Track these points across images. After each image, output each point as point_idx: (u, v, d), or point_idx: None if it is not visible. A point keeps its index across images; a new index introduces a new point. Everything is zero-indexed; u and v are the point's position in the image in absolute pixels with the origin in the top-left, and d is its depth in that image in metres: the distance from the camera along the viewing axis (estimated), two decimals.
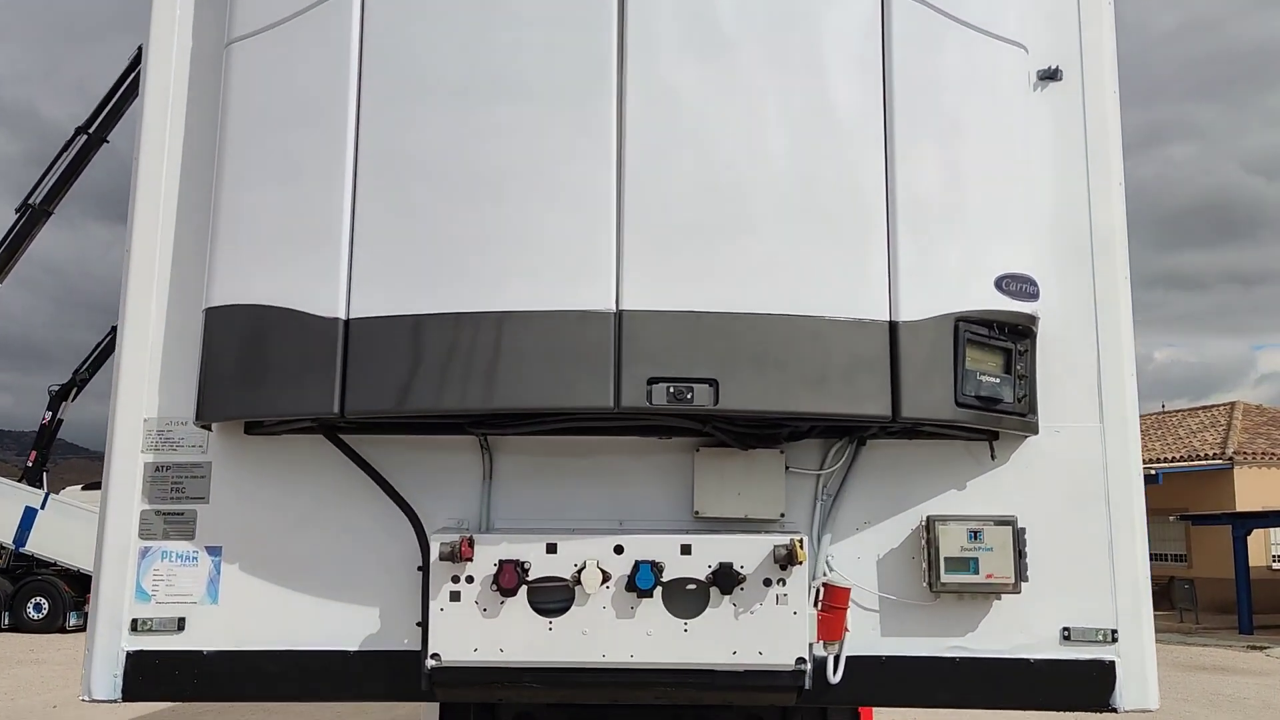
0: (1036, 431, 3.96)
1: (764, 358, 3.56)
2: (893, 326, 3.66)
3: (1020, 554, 3.84)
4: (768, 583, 3.75)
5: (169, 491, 4.03)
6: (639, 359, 3.53)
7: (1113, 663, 3.89)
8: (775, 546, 3.70)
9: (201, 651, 3.93)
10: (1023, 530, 3.88)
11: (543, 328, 3.57)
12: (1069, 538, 3.96)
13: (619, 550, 3.77)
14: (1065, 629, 3.92)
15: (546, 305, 3.58)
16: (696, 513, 3.93)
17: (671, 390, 3.51)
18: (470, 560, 3.76)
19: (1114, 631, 3.90)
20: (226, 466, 4.05)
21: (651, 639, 3.74)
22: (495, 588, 3.73)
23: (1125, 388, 4.05)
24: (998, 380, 3.81)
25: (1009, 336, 3.87)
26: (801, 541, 3.72)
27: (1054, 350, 4.05)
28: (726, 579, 3.72)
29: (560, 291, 3.59)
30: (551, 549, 3.79)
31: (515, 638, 3.74)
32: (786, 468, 3.99)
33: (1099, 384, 4.05)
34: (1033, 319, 3.89)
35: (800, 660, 3.72)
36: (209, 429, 4.03)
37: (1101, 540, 3.95)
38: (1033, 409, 3.94)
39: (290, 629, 3.94)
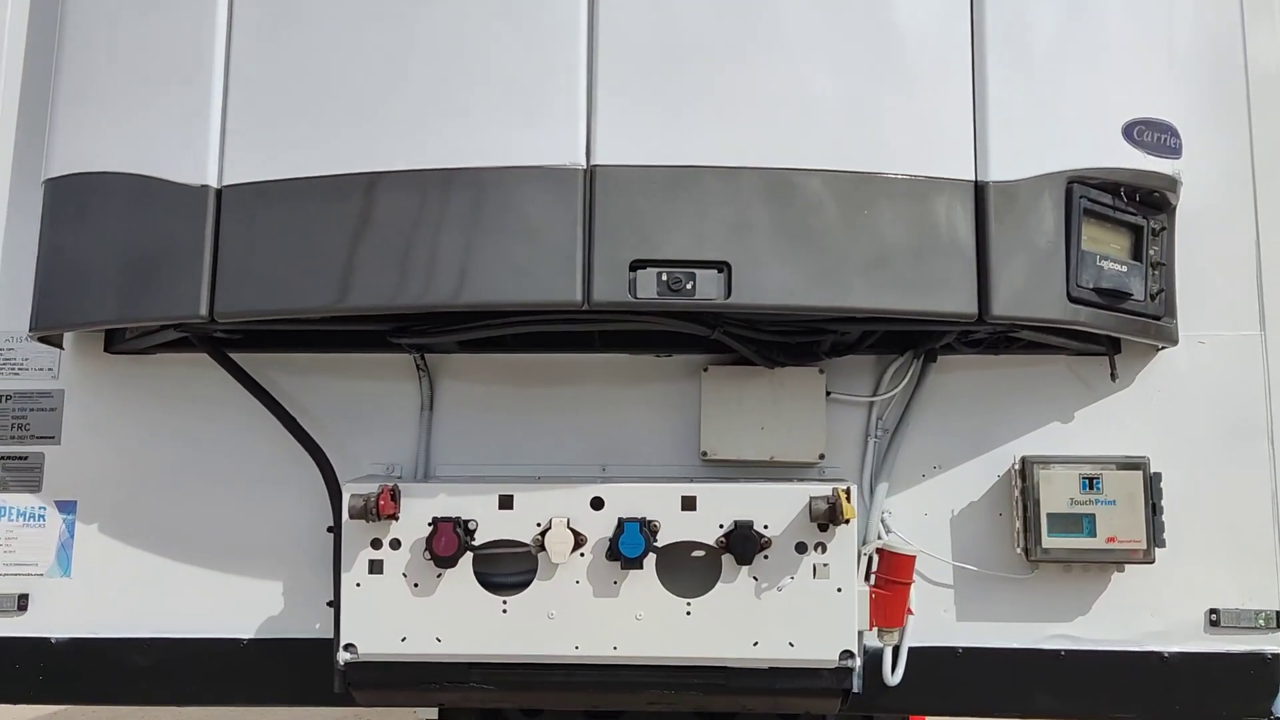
0: (1175, 341, 2.87)
1: (795, 231, 2.49)
2: (980, 189, 2.58)
3: (1154, 509, 2.78)
4: (801, 548, 2.71)
5: (8, 429, 3.05)
6: (617, 235, 2.48)
7: (1277, 657, 2.83)
8: (812, 499, 2.65)
9: (49, 639, 2.96)
10: (1157, 477, 2.81)
11: (481, 192, 2.52)
12: (1218, 488, 2.89)
13: (597, 504, 2.74)
14: (1213, 612, 2.86)
15: (487, 160, 2.53)
16: (704, 454, 2.89)
17: (664, 278, 2.46)
18: (395, 519, 2.75)
19: (1279, 615, 2.85)
20: (82, 396, 3.06)
21: (642, 625, 2.72)
22: (429, 555, 2.72)
23: None
24: (1124, 268, 2.73)
25: (1141, 207, 2.78)
26: (849, 492, 2.68)
27: (1198, 231, 2.96)
28: (744, 544, 2.68)
29: (506, 140, 2.53)
30: (506, 503, 2.76)
31: (457, 623, 2.74)
32: (828, 393, 2.95)
33: (1259, 276, 2.96)
34: (1174, 183, 2.80)
35: (847, 654, 2.69)
36: (59, 346, 3.04)
37: (1262, 491, 2.88)
38: (1170, 311, 2.85)
39: (164, 611, 2.96)
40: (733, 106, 2.53)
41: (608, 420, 3.01)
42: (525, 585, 2.74)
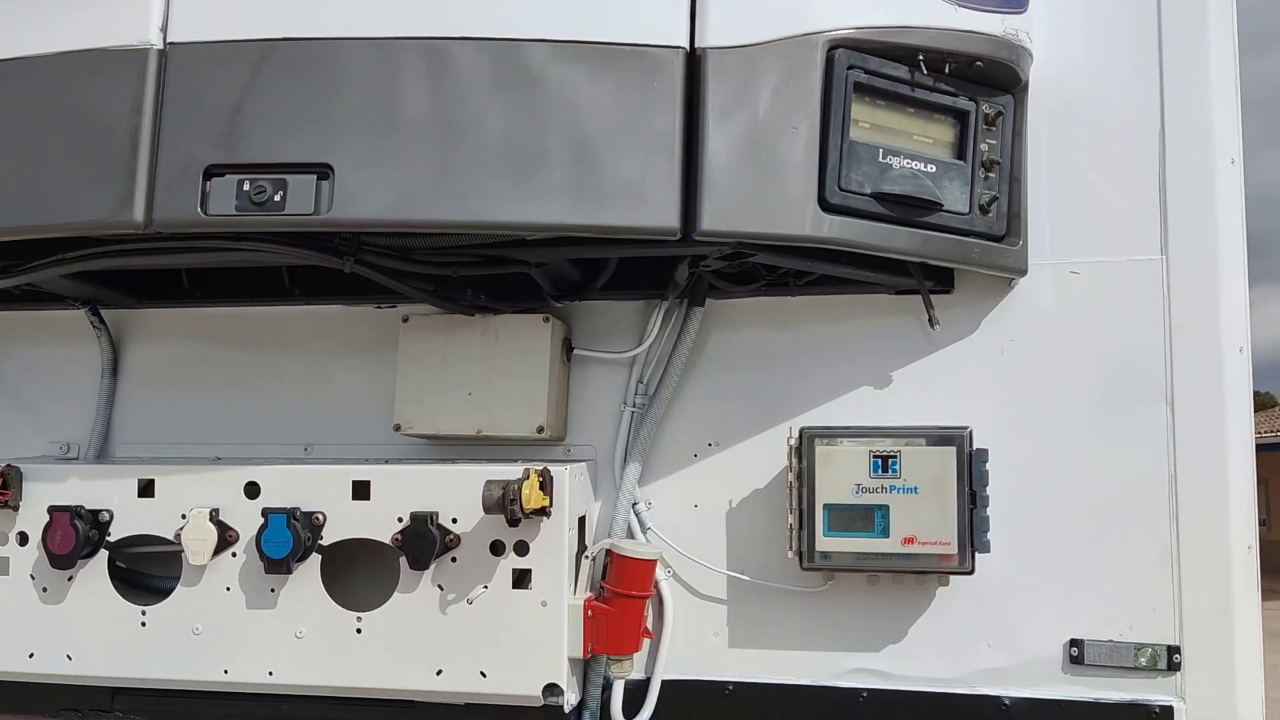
0: (1021, 270, 2.09)
1: (424, 121, 1.83)
2: (693, 59, 1.87)
3: (974, 500, 2.00)
4: (498, 549, 2.06)
5: None
6: (189, 132, 1.87)
7: (1170, 709, 2.02)
8: (487, 484, 1.98)
9: None
10: (979, 455, 2.03)
11: (31, 86, 1.95)
12: (1091, 471, 2.09)
13: (252, 492, 2.15)
14: (1074, 644, 2.06)
15: (38, 46, 1.96)
16: (397, 427, 2.26)
17: (246, 188, 1.84)
18: (14, 509, 2.22)
19: (1175, 651, 2.02)
20: None
21: (303, 645, 2.12)
22: (43, 552, 2.19)
23: (1221, 192, 2.12)
24: (929, 168, 1.96)
25: (968, 85, 2.00)
26: (547, 475, 2.01)
27: (1077, 123, 2.16)
28: (418, 542, 2.05)
29: (62, 20, 1.96)
30: (146, 489, 2.20)
31: (91, 638, 2.20)
32: (571, 348, 2.27)
33: (1162, 180, 2.13)
34: (1013, 50, 2.01)
35: (553, 689, 2.02)
36: None
37: (1155, 476, 2.06)
38: (1016, 229, 2.07)
39: None
40: None
41: (314, 388, 2.41)
42: (168, 592, 2.18)
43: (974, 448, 2.02)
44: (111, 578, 2.19)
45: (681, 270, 2.05)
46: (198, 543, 2.14)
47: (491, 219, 1.81)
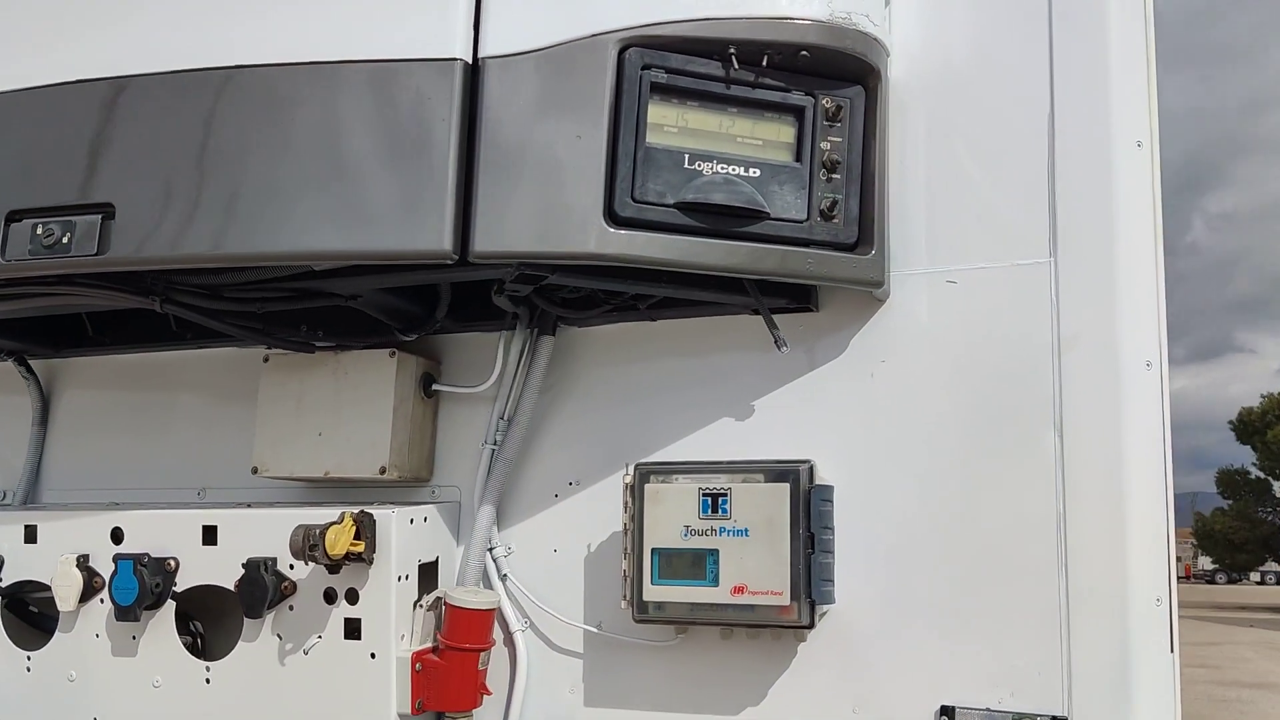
0: (876, 282, 1.83)
1: (195, 154, 1.77)
2: (473, 70, 1.75)
3: (813, 544, 1.76)
4: (330, 597, 1.97)
5: None
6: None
7: None
8: (297, 529, 1.90)
9: None
10: (821, 491, 1.78)
11: None
12: (965, 509, 1.80)
13: (118, 537, 2.14)
14: (945, 712, 1.77)
15: None
16: (255, 469, 2.20)
17: (39, 231, 1.84)
18: None
19: None
20: None
21: (161, 694, 2.08)
22: None
23: (1122, 180, 1.82)
24: (752, 172, 1.76)
25: (798, 80, 1.79)
26: (366, 519, 1.90)
27: (954, 108, 1.91)
28: (253, 590, 1.98)
29: None
30: (31, 535, 2.23)
31: None
32: (431, 382, 2.16)
33: (1051, 175, 1.84)
34: (853, 38, 1.78)
35: None
36: None
37: (1041, 511, 1.76)
38: (869, 236, 1.82)
39: None
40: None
41: (212, 431, 2.39)
42: (49, 638, 2.19)
43: (814, 483, 1.78)
44: (18, 621, 2.23)
45: (503, 299, 1.91)
46: (65, 589, 2.14)
47: (258, 250, 1.74)
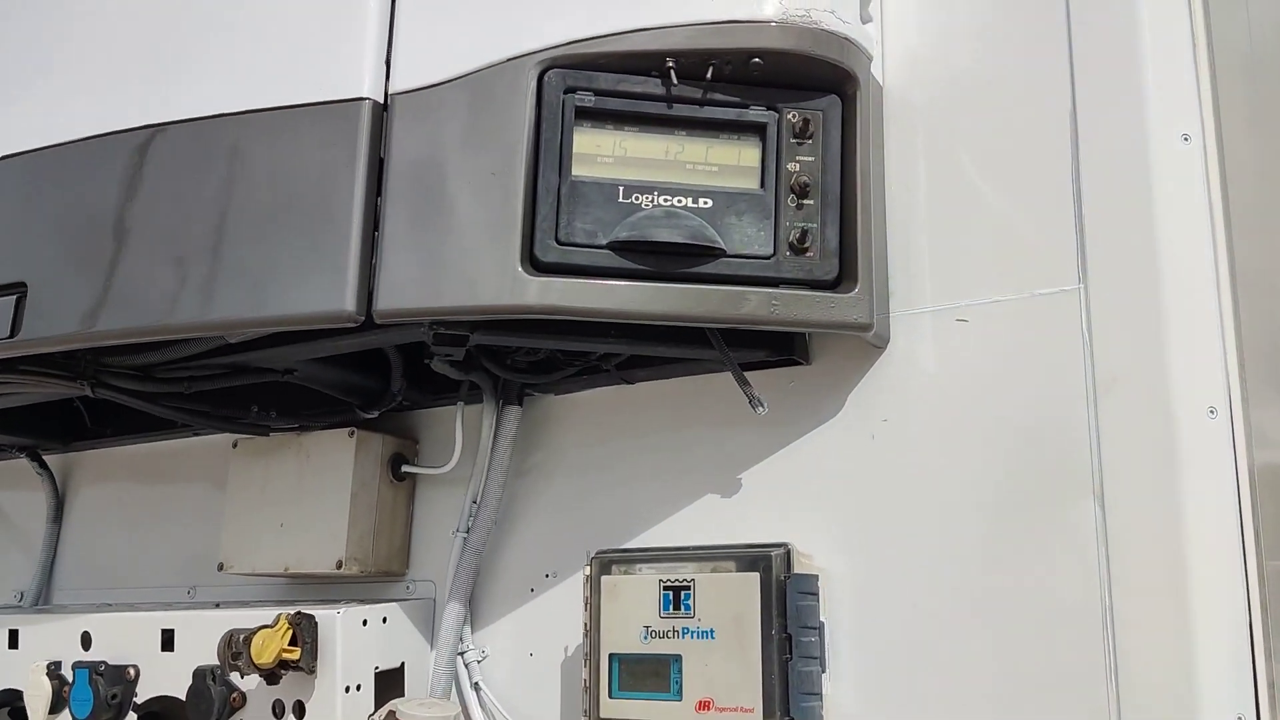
0: (864, 326, 1.51)
1: (100, 225, 1.64)
2: (382, 110, 1.55)
3: (789, 646, 1.43)
4: (278, 710, 1.75)
5: None
6: None
7: None
8: (226, 634, 1.70)
9: None
10: (801, 582, 1.46)
11: None
12: (984, 603, 1.44)
13: (86, 643, 2.00)
14: None
15: None
16: (220, 565, 2.02)
17: None
18: None
19: None
20: None
21: None
22: None
23: (1165, 184, 1.46)
24: (705, 204, 1.49)
25: (757, 94, 1.53)
26: (305, 622, 1.69)
27: (957, 113, 1.61)
28: (199, 702, 1.78)
29: None
30: (13, 640, 2.12)
31: None
32: (403, 464, 1.95)
33: (1076, 183, 1.50)
34: (816, 39, 1.50)
35: None
36: None
37: (1081, 609, 1.38)
38: (851, 271, 1.51)
39: None
40: None
41: (203, 523, 2.25)
42: None
43: (791, 572, 1.46)
44: None
45: (442, 366, 1.68)
46: (35, 699, 1.98)
47: (159, 323, 1.57)
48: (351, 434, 1.89)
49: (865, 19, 1.61)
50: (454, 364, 1.68)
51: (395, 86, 1.55)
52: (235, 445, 2.05)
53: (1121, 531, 1.37)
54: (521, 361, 1.75)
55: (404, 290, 1.47)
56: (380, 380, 1.87)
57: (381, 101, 1.55)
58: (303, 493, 1.92)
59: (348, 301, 1.48)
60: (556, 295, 1.44)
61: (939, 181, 1.60)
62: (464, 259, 1.46)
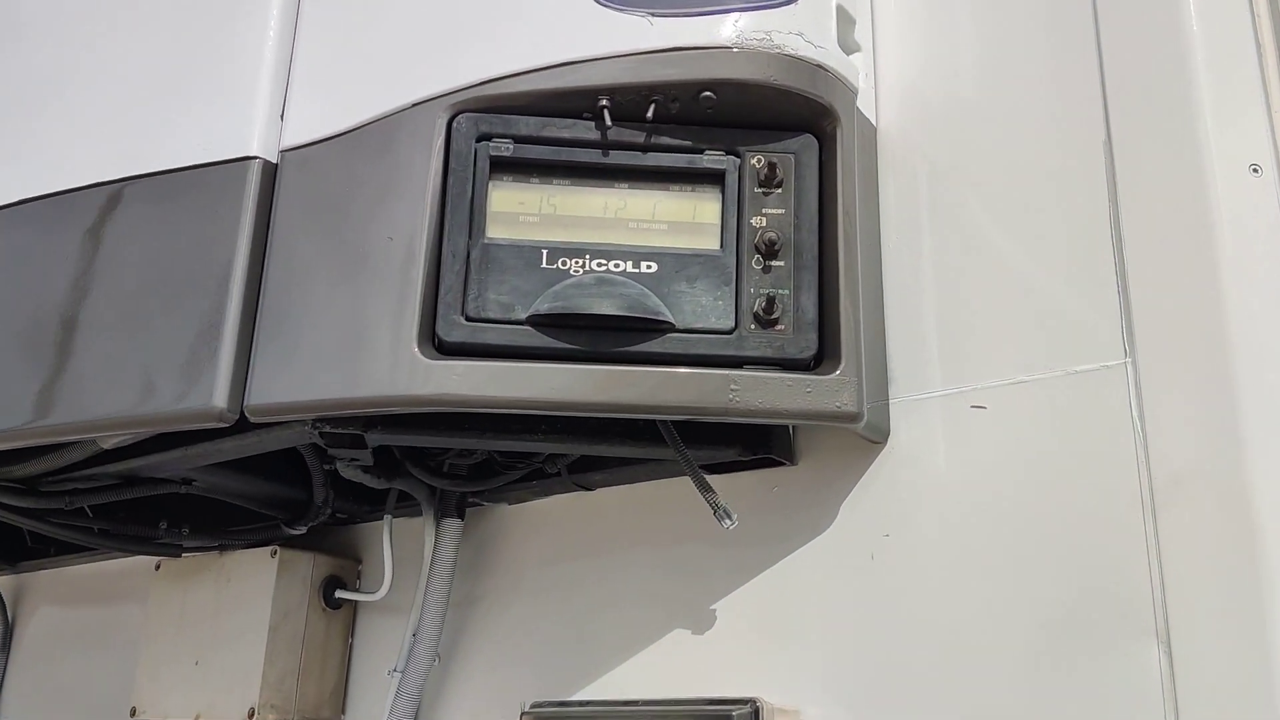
0: (853, 415, 1.19)
1: None
2: (273, 170, 1.31)
3: None
4: None
5: None
6: None
7: None
8: None
9: None
10: None
11: None
12: None
13: None
14: None
15: None
16: (132, 711, 1.74)
17: None
18: None
19: None
20: None
21: None
22: None
23: (1233, 227, 1.13)
24: (650, 268, 1.21)
25: (714, 135, 1.25)
26: None
27: (966, 153, 1.32)
28: None
29: None
30: None
31: None
32: (336, 589, 1.67)
33: (1116, 232, 1.19)
34: (784, 68, 1.23)
35: None
36: None
37: None
38: (833, 348, 1.21)
39: None
40: None
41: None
42: None
43: None
44: None
45: (351, 470, 1.41)
46: None
47: (7, 426, 1.33)
48: (274, 554, 1.62)
49: (850, 48, 1.34)
50: (368, 470, 1.40)
51: (286, 142, 1.31)
52: (158, 567, 1.79)
53: (1193, 684, 1.02)
54: (461, 465, 1.47)
55: (281, 382, 1.21)
56: (307, 489, 1.60)
57: (275, 161, 1.32)
58: (219, 624, 1.65)
59: (217, 397, 1.22)
60: (458, 383, 1.16)
61: (947, 236, 1.30)
62: (351, 342, 1.20)
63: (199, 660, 1.66)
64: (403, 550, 1.64)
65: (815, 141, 1.26)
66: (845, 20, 1.33)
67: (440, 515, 1.53)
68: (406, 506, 1.60)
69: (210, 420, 1.22)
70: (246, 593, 1.63)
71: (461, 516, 1.53)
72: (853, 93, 1.31)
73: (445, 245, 1.21)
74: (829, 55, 1.27)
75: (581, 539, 1.50)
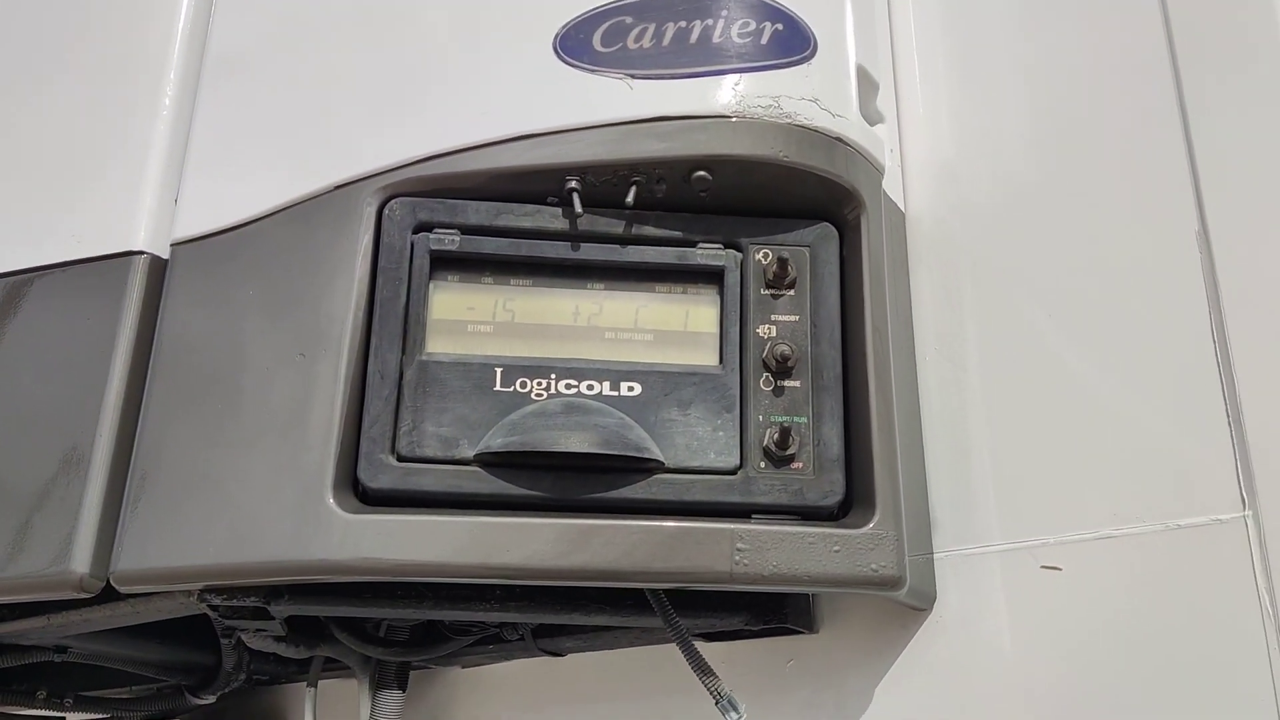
0: (895, 579, 0.92)
1: None
2: (161, 267, 1.06)
3: None
4: None
5: None
6: None
7: None
8: None
9: None
10: None
11: None
12: None
13: None
14: None
15: None
16: None
17: None
18: None
19: None
20: None
21: None
22: None
23: None
24: (633, 390, 0.96)
25: (711, 223, 1.01)
26: None
27: (1019, 244, 1.08)
28: None
29: None
30: None
31: None
32: None
33: (1221, 334, 0.94)
34: (791, 142, 0.99)
35: None
36: None
37: None
38: (867, 494, 0.95)
39: None
40: None
41: None
42: None
43: None
44: None
45: (259, 640, 1.13)
46: None
47: None
48: None
49: (873, 118, 1.10)
50: (280, 639, 1.12)
51: (177, 234, 1.06)
52: None
53: None
54: (401, 628, 1.19)
55: (156, 543, 0.94)
56: (214, 652, 1.32)
57: (165, 257, 1.06)
58: None
59: (76, 562, 0.94)
60: (388, 545, 0.89)
61: (1001, 351, 1.05)
62: (247, 491, 0.93)
63: None
64: (337, 715, 1.36)
65: (834, 231, 1.02)
66: (867, 84, 1.10)
67: (377, 686, 1.24)
68: (336, 670, 1.31)
69: (68, 590, 0.95)
70: None
71: (403, 688, 1.25)
72: (879, 172, 1.07)
73: (371, 363, 0.95)
74: (850, 126, 1.03)
75: (552, 709, 1.22)
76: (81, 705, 1.37)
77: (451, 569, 0.89)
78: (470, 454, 0.93)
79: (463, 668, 1.30)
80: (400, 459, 0.93)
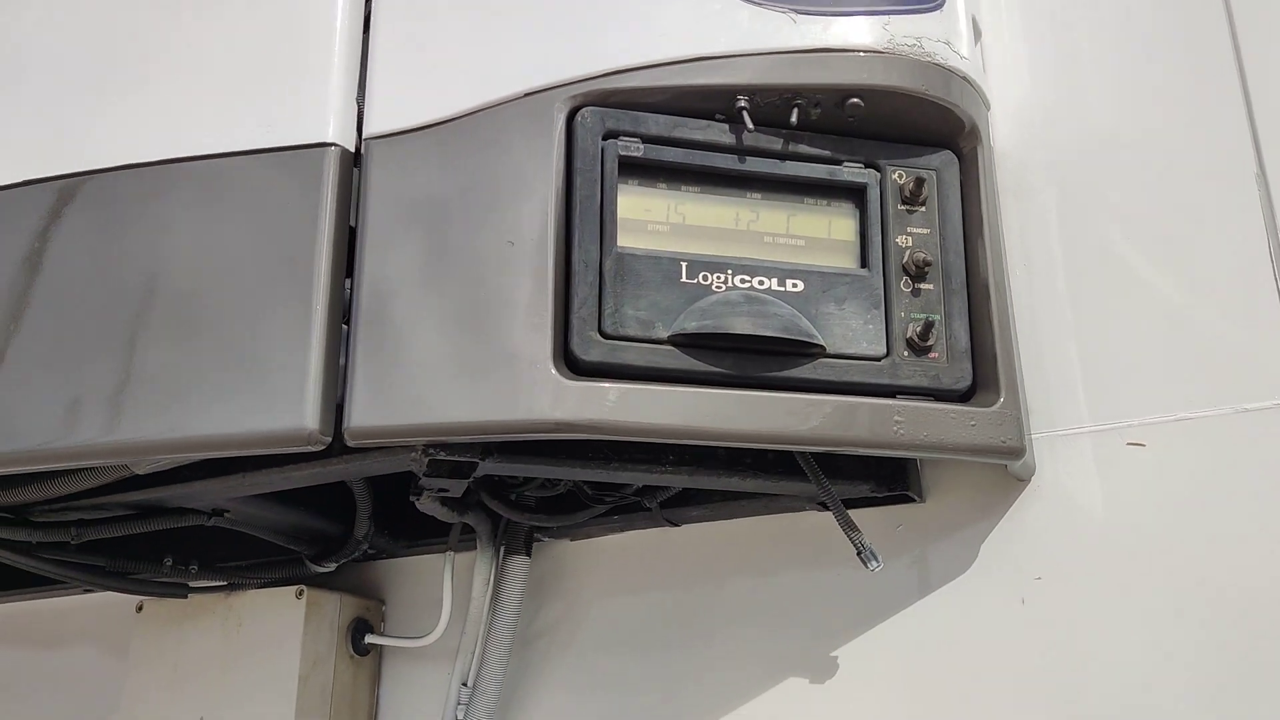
0: (1015, 450, 1.11)
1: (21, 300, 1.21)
2: (351, 160, 1.16)
3: None
4: None
5: None
6: None
7: None
8: None
9: None
10: None
11: None
12: None
13: None
14: None
15: None
16: None
17: None
18: None
19: None
20: None
21: None
22: None
23: None
24: (797, 287, 1.11)
25: (856, 146, 1.16)
26: None
27: (1105, 179, 1.26)
28: None
29: None
30: None
31: None
32: (366, 634, 1.50)
33: (1275, 260, 1.15)
34: (929, 77, 1.14)
35: None
36: None
37: None
38: (990, 378, 1.13)
39: None
40: None
41: (100, 710, 1.75)
42: None
43: None
44: None
45: (429, 503, 1.25)
46: None
47: (42, 446, 1.11)
48: (300, 594, 1.43)
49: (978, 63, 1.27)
50: (446, 502, 1.25)
51: (372, 130, 1.16)
52: (140, 609, 1.57)
53: None
54: (531, 497, 1.33)
55: (387, 403, 1.05)
56: (340, 522, 1.43)
57: (352, 150, 1.16)
58: (230, 675, 1.45)
59: (307, 418, 1.05)
60: (607, 408, 1.03)
61: (1086, 266, 1.24)
62: (475, 358, 1.05)
63: (203, 716, 1.45)
64: (430, 589, 1.49)
65: (955, 159, 1.18)
66: (976, 32, 1.26)
67: (507, 551, 1.38)
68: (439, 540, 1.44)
69: (299, 444, 1.06)
70: (266, 639, 1.44)
71: (529, 553, 1.39)
72: (987, 108, 1.24)
73: (575, 253, 1.08)
74: (972, 66, 1.20)
75: (662, 576, 1.37)
76: (205, 572, 1.46)
77: (666, 430, 1.03)
78: (665, 334, 1.07)
79: (571, 540, 1.44)
80: (605, 337, 1.06)
